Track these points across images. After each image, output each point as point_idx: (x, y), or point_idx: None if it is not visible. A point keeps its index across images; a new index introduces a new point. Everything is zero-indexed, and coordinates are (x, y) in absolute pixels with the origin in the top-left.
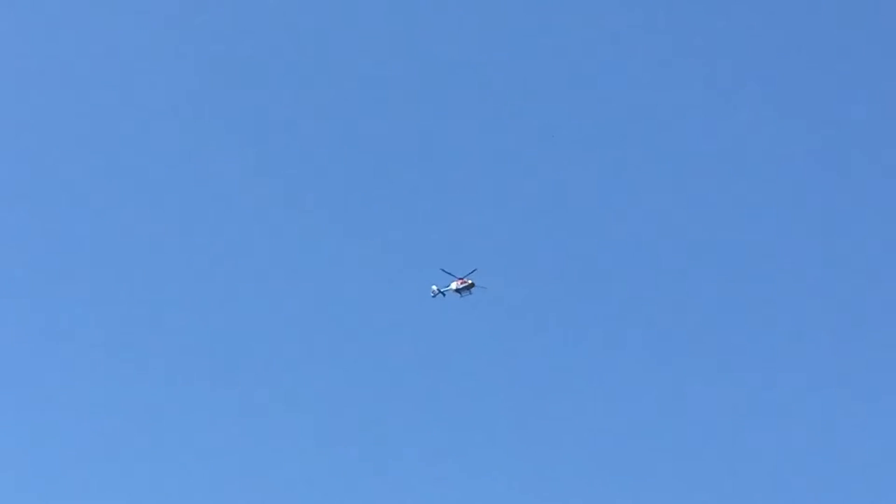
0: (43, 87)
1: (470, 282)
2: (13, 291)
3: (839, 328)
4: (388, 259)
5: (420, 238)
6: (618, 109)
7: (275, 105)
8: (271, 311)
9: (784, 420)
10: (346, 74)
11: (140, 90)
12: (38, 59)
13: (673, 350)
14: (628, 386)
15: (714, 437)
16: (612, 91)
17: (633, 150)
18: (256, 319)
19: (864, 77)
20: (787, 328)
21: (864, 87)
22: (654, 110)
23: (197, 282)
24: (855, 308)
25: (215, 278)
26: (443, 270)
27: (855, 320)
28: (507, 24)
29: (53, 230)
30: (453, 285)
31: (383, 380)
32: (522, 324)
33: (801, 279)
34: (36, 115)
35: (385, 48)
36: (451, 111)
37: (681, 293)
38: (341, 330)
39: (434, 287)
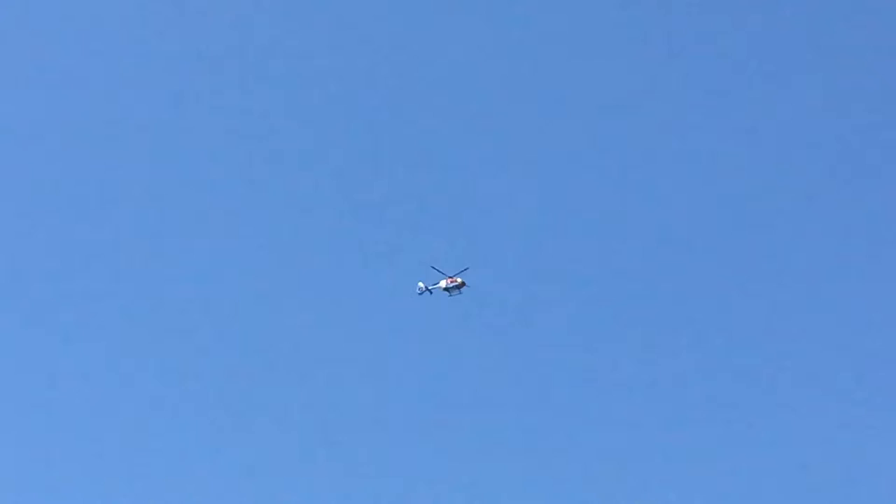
0: (42, 86)
1: (461, 281)
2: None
3: (839, 328)
4: (379, 256)
5: (411, 235)
6: (616, 109)
7: (268, 103)
8: (260, 308)
9: (783, 419)
10: (335, 71)
11: (139, 89)
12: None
13: (670, 349)
14: (626, 386)
15: (713, 436)
16: (610, 91)
17: (631, 150)
18: (245, 317)
19: (864, 77)
20: (787, 327)
21: (865, 87)
22: (652, 110)
23: (183, 276)
24: (854, 307)
25: (205, 275)
26: (433, 268)
27: (855, 320)
28: (506, 24)
29: (53, 230)
30: (442, 283)
31: (374, 378)
32: (515, 323)
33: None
34: (36, 114)
35: (383, 47)
36: (448, 110)
37: (679, 293)
38: (330, 327)
39: (421, 284)
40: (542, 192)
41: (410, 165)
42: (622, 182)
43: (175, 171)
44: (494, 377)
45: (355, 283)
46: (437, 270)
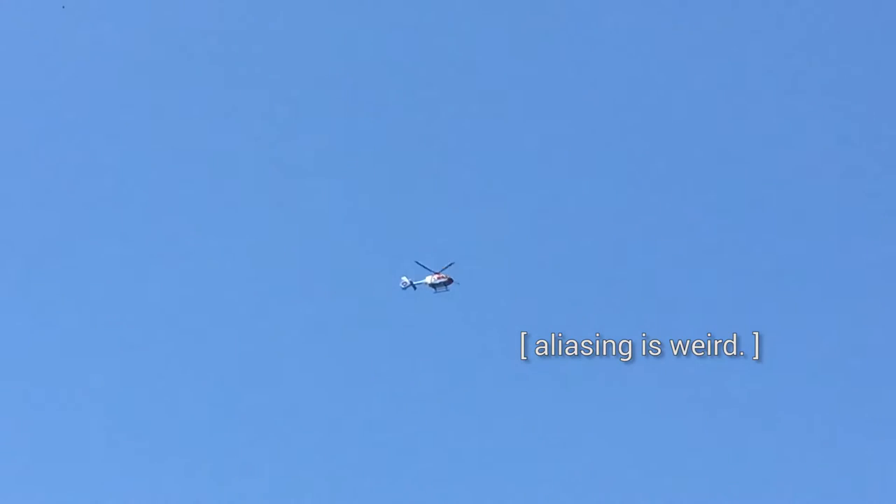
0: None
1: (448, 277)
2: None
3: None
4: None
5: (403, 232)
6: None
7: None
8: (252, 306)
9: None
10: (330, 69)
11: (136, 88)
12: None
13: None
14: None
15: (712, 437)
16: (609, 90)
17: (629, 150)
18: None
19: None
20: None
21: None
22: (651, 110)
23: (173, 275)
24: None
25: (190, 272)
26: (417, 263)
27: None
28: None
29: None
30: (429, 279)
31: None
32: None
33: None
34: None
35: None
36: (444, 109)
37: (675, 293)
38: (320, 324)
39: (404, 279)
40: (535, 190)
41: (400, 159)
42: (619, 182)
43: (171, 169)
44: (483, 377)
45: (344, 277)
46: (422, 266)
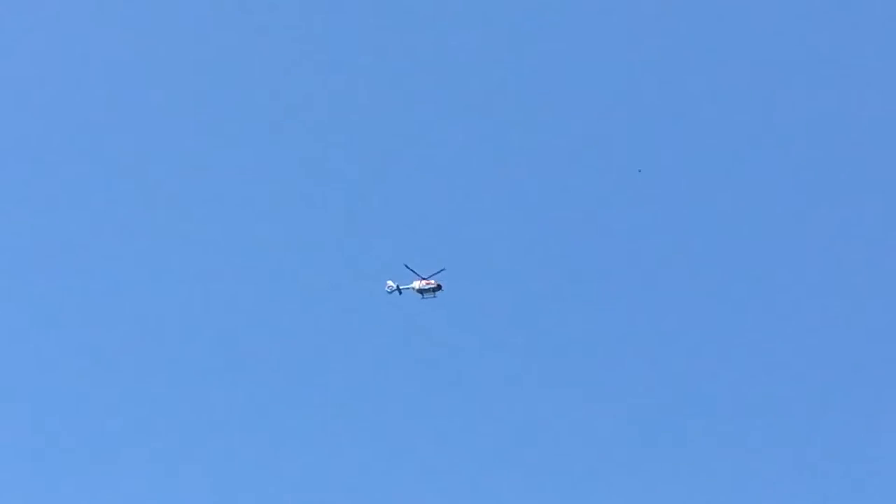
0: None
1: (436, 283)
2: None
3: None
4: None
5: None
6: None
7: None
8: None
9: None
10: (328, 71)
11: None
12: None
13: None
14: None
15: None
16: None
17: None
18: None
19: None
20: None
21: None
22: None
23: (165, 276)
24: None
25: (181, 274)
26: (406, 266)
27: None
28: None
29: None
30: (416, 284)
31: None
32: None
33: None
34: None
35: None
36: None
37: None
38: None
39: (390, 283)
40: (528, 197)
41: (392, 163)
42: (616, 184)
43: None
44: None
45: (325, 280)
46: (411, 270)
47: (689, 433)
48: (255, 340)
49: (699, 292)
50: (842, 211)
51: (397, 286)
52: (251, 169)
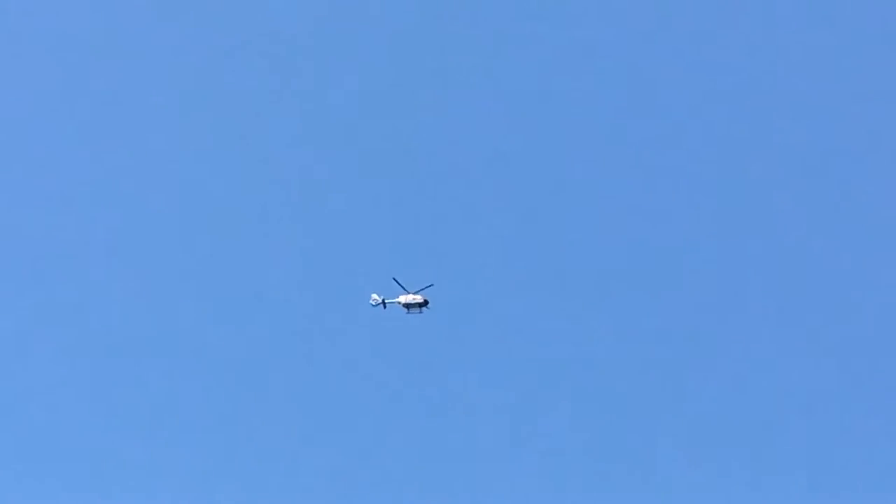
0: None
1: (423, 299)
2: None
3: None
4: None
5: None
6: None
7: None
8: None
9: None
10: (330, 71)
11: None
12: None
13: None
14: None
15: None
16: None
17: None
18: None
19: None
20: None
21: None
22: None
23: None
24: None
25: (177, 273)
26: (394, 280)
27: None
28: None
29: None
30: (402, 298)
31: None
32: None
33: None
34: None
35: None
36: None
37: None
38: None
39: (374, 296)
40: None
41: (388, 167)
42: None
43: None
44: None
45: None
46: (399, 284)
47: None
48: (236, 355)
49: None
50: (841, 210)
51: (383, 299)
52: (239, 173)
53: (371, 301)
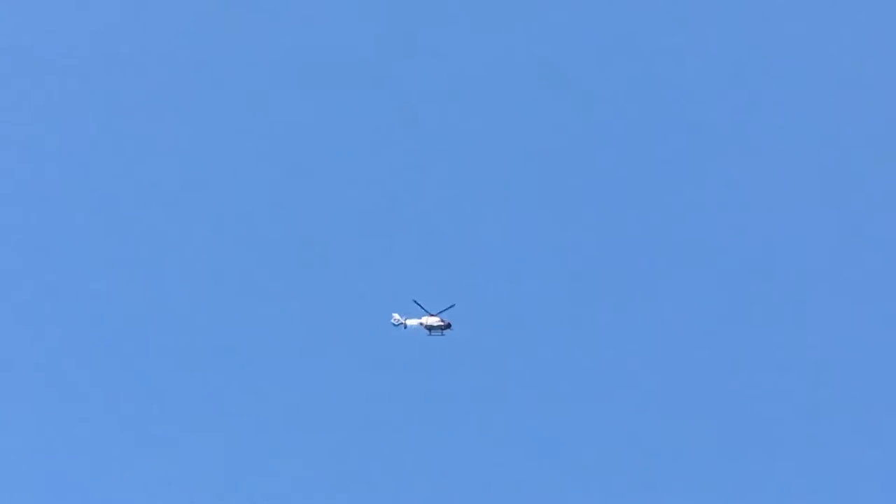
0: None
1: (447, 322)
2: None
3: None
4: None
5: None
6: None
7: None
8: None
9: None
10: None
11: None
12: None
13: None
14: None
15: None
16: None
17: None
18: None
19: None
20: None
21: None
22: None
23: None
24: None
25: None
26: (415, 302)
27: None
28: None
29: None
30: (425, 320)
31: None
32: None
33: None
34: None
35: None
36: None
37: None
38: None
39: (396, 315)
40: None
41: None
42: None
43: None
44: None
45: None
46: (420, 306)
47: None
48: (248, 367)
49: None
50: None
51: (404, 320)
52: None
53: (392, 321)
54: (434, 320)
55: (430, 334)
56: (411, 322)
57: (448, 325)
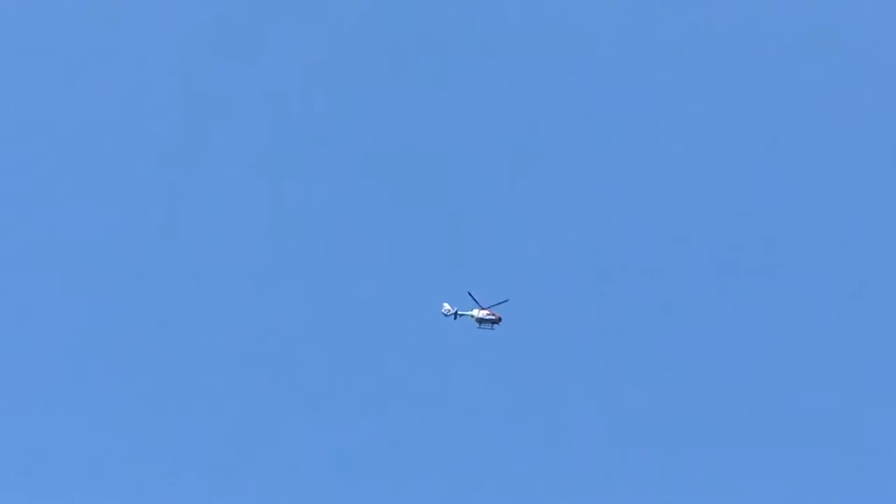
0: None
1: (497, 316)
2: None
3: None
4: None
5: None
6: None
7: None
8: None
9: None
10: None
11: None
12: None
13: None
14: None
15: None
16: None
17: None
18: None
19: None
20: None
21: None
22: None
23: (197, 283)
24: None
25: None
26: (469, 294)
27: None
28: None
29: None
30: (476, 312)
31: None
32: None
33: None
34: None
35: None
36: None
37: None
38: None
39: (446, 305)
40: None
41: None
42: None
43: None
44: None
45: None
46: (473, 298)
47: None
48: (298, 360)
49: None
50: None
51: (455, 311)
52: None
53: (443, 310)
54: (485, 313)
55: (479, 327)
56: (463, 313)
57: (498, 320)
